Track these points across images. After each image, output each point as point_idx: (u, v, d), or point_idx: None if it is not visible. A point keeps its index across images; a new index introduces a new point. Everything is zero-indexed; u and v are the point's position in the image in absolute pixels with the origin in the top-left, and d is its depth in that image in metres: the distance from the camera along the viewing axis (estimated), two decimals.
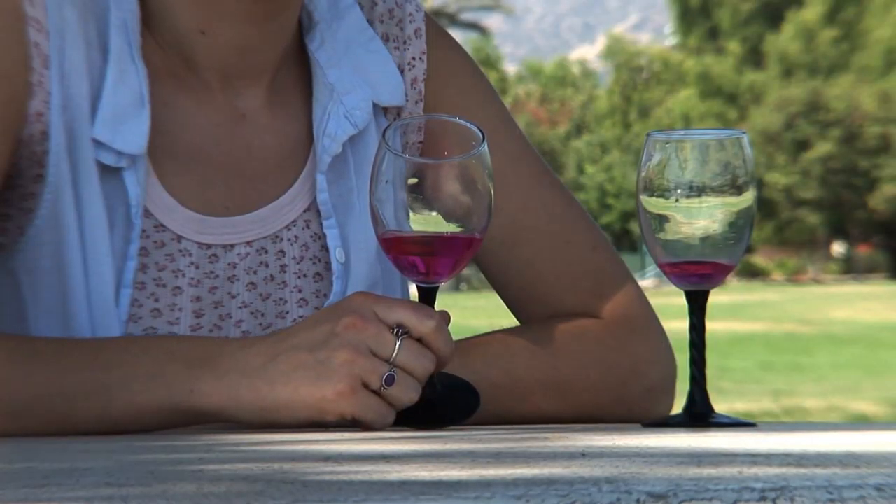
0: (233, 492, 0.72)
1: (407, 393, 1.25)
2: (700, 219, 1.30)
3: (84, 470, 0.88)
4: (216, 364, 1.26)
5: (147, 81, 1.38)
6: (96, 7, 1.38)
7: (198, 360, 1.27)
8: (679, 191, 1.29)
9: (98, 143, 1.36)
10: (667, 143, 1.31)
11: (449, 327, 1.29)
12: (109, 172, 1.37)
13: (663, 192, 1.30)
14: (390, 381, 1.24)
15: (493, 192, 1.26)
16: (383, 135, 1.26)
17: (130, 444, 1.15)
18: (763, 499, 0.68)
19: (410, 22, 1.52)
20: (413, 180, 1.25)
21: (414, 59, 1.51)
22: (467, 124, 1.29)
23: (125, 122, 1.36)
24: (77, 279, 1.35)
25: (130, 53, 1.37)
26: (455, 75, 1.53)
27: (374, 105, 1.48)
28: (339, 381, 1.23)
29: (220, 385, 1.26)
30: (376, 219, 1.26)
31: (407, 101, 1.51)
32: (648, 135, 1.32)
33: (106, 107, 1.36)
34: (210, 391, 1.26)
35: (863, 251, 48.47)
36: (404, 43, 1.51)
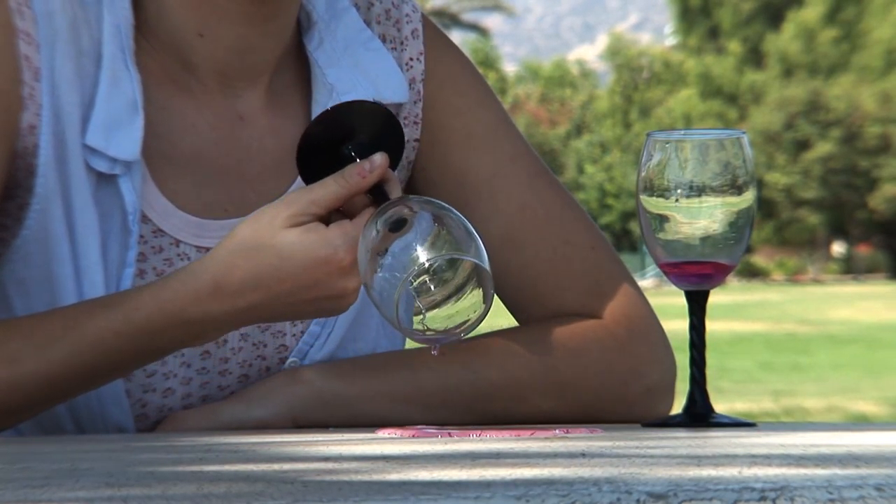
0: (233, 492, 0.72)
1: None
2: (700, 219, 1.30)
3: (84, 470, 0.88)
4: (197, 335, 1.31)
5: (140, 87, 1.37)
6: (89, 14, 1.37)
7: (179, 338, 1.31)
8: (679, 191, 1.29)
9: (92, 150, 1.35)
10: (667, 143, 1.31)
11: None
12: (105, 179, 1.36)
13: (663, 192, 1.30)
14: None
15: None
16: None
17: (130, 444, 1.15)
18: (763, 499, 0.68)
19: (408, 23, 1.51)
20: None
21: (412, 59, 1.51)
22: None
23: (119, 129, 1.35)
24: (68, 289, 1.35)
25: (124, 59, 1.37)
26: (452, 76, 1.53)
27: None
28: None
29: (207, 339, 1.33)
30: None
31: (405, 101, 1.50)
32: (648, 135, 1.32)
33: (99, 113, 1.35)
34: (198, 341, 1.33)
35: (863, 251, 48.44)
36: (402, 44, 1.51)
